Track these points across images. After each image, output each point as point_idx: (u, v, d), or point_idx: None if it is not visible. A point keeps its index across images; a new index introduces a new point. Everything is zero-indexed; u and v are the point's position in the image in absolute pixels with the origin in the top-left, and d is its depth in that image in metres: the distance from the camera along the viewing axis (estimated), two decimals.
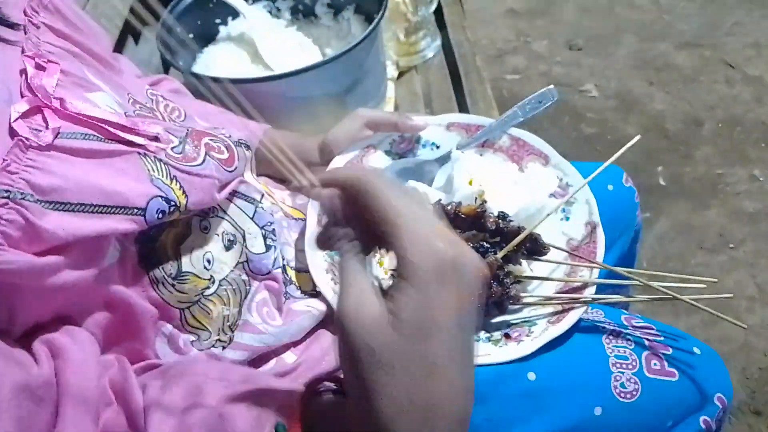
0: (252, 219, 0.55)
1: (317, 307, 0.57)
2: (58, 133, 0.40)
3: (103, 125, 0.42)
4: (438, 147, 0.74)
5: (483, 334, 0.57)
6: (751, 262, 1.47)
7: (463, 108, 1.01)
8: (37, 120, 0.39)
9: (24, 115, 0.39)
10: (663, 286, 0.55)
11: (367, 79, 0.95)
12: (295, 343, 0.56)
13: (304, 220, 0.63)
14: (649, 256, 1.51)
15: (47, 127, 0.39)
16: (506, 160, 0.71)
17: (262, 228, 0.55)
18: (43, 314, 0.40)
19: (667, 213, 1.60)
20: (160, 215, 0.43)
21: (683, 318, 1.36)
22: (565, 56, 2.11)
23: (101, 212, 0.40)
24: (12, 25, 0.43)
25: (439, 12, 1.17)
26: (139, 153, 0.44)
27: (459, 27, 1.16)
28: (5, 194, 0.36)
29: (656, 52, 2.09)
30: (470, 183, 0.67)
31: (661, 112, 1.87)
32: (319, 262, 0.60)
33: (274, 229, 0.57)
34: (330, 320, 0.58)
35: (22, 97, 0.40)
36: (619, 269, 0.55)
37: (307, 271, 0.59)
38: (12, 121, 0.38)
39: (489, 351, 0.53)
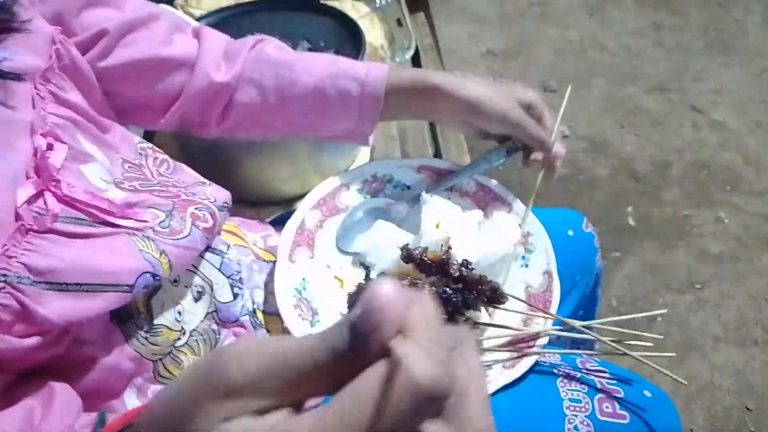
0: (219, 270, 0.57)
1: None
2: (57, 216, 0.42)
3: (95, 211, 0.45)
4: (408, 188, 0.77)
5: None
6: (717, 302, 1.52)
7: (436, 151, 1.05)
8: (40, 204, 0.42)
9: (29, 200, 0.41)
10: (613, 340, 0.59)
11: None
12: None
13: (275, 262, 0.65)
14: (618, 295, 1.55)
15: (47, 211, 0.42)
16: (472, 205, 0.75)
17: (228, 278, 0.58)
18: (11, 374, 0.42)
19: (636, 253, 1.65)
20: (146, 288, 0.46)
21: (660, 346, 1.40)
22: None
23: (94, 291, 0.42)
24: (18, 77, 0.44)
25: (416, 58, 1.22)
26: (128, 233, 0.47)
27: None
28: (2, 278, 0.38)
29: (626, 95, 2.17)
30: (437, 226, 0.70)
31: (630, 154, 1.94)
32: (287, 297, 0.62)
33: (241, 278, 0.59)
34: None
35: (28, 177, 0.42)
36: (571, 321, 0.58)
37: (278, 314, 0.62)
38: (18, 206, 0.40)
39: None
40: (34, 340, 0.40)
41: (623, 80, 2.23)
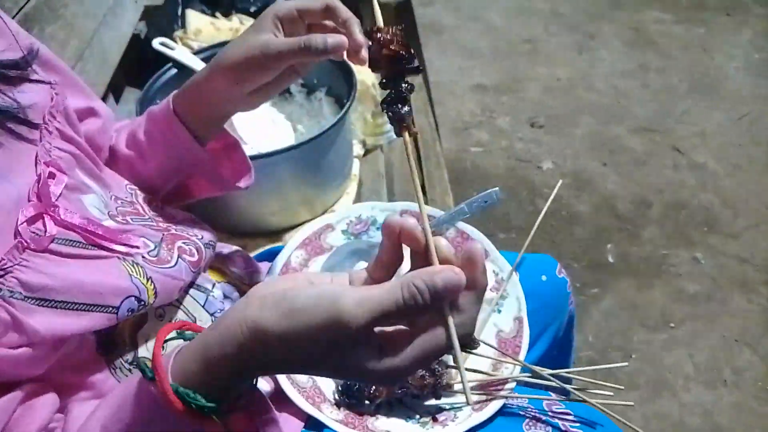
0: (203, 307, 0.60)
1: (263, 387, 0.62)
2: (53, 238, 0.46)
3: (89, 234, 0.49)
4: None
5: (413, 415, 0.62)
6: (689, 342, 1.56)
7: (421, 190, 1.09)
8: (38, 225, 0.45)
9: (29, 221, 0.45)
10: (577, 388, 0.62)
11: (335, 158, 1.03)
12: None
13: None
14: (595, 331, 1.59)
15: (45, 232, 0.45)
16: None
17: (212, 315, 0.61)
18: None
19: (613, 290, 1.69)
20: (130, 312, 0.49)
21: (622, 394, 1.44)
22: (527, 133, 2.24)
23: (81, 310, 0.46)
24: (33, 126, 0.49)
25: None
26: (118, 258, 0.50)
27: (424, 112, 1.25)
28: None
29: (611, 134, 2.23)
30: None
31: (612, 192, 1.99)
32: None
33: None
34: (276, 399, 0.63)
35: (29, 200, 0.46)
36: (538, 369, 0.62)
37: None
38: (19, 224, 0.44)
39: None
40: (23, 352, 0.43)
41: (609, 119, 2.29)
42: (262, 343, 0.38)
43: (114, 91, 1.25)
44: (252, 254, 0.83)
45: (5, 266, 0.42)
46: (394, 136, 1.22)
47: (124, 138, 0.68)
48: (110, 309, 0.48)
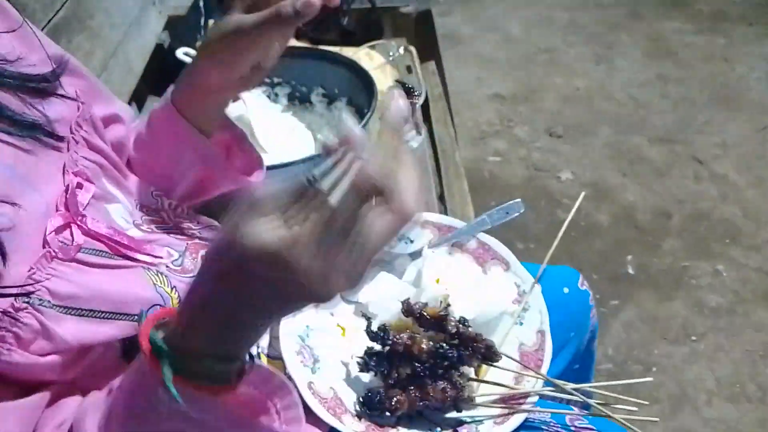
0: None
1: None
2: (80, 247, 0.46)
3: (115, 244, 0.49)
4: (412, 242, 0.81)
5: (434, 427, 0.62)
6: (711, 355, 1.54)
7: (440, 200, 1.08)
8: (66, 235, 0.46)
9: (57, 230, 0.45)
10: (600, 403, 0.61)
11: None
12: None
13: None
14: (615, 343, 1.57)
15: (73, 242, 0.46)
16: (472, 261, 0.78)
17: None
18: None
19: (633, 302, 1.67)
20: None
21: (646, 409, 1.41)
22: (545, 142, 2.23)
23: (107, 318, 0.46)
24: (60, 138, 0.50)
25: (425, 106, 1.26)
26: (143, 267, 0.51)
27: (443, 122, 1.25)
28: (26, 300, 0.42)
29: (630, 144, 2.21)
30: (437, 282, 0.74)
31: (632, 203, 1.97)
32: (291, 344, 0.66)
33: None
34: None
35: (57, 210, 0.47)
36: (560, 383, 0.61)
37: (280, 358, 0.65)
38: (47, 233, 0.45)
39: None
40: (51, 359, 0.44)
41: (628, 129, 2.27)
42: (202, 263, 0.37)
43: (137, 99, 1.26)
44: None
45: (35, 275, 0.43)
46: (414, 146, 1.22)
47: (132, 140, 0.68)
48: (135, 317, 0.48)
